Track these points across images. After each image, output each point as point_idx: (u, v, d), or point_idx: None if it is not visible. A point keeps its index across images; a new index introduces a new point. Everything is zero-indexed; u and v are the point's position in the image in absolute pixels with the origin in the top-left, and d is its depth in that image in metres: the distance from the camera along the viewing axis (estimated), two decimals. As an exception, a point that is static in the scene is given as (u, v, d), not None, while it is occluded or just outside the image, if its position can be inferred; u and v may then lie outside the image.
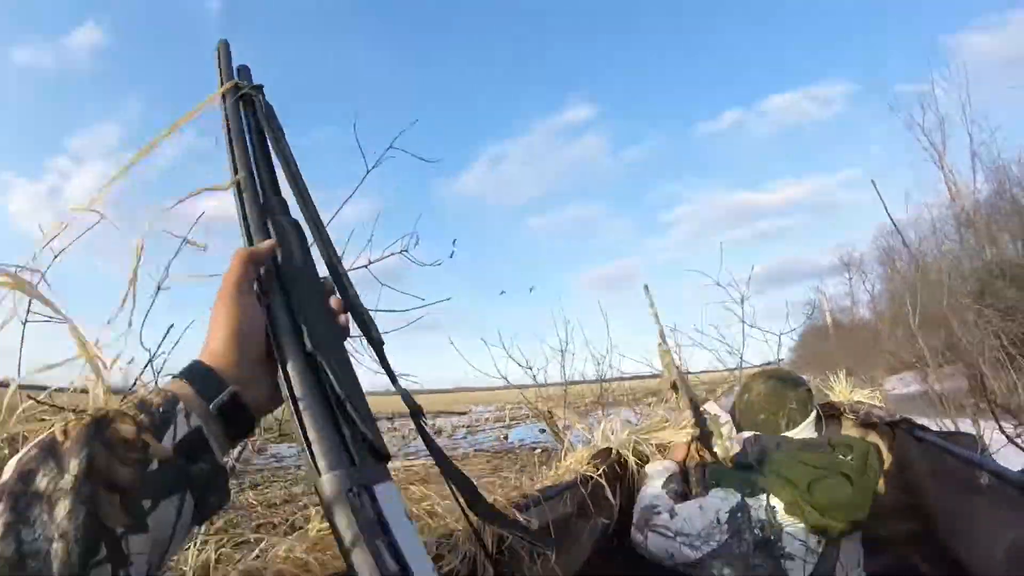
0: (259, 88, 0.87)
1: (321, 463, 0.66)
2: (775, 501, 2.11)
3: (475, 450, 17.24)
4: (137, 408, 0.62)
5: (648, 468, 2.80)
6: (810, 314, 54.69)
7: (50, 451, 0.55)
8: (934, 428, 5.05)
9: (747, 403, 2.45)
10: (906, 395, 21.32)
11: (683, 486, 2.70)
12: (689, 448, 2.78)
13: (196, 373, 0.69)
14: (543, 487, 2.31)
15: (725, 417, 2.80)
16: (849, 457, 2.11)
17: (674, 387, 3.13)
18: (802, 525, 2.06)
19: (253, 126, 0.86)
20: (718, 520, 2.14)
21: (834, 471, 2.06)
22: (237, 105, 0.83)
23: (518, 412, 37.93)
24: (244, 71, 0.88)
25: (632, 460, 2.98)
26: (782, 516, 2.08)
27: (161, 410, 0.62)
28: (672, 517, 2.29)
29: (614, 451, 2.98)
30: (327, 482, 0.64)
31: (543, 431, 22.37)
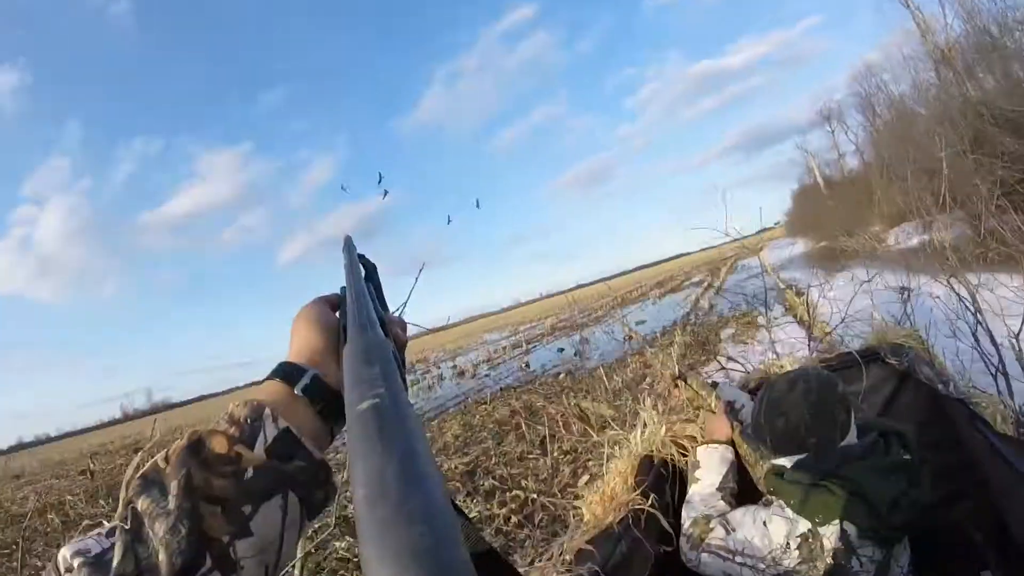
0: (375, 266, 1.02)
1: None
2: (849, 526, 1.90)
3: (501, 389, 16.91)
4: (227, 423, 0.67)
5: (700, 454, 2.48)
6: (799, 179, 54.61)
7: (154, 478, 0.62)
8: (941, 286, 5.18)
9: (788, 428, 2.09)
10: (909, 249, 21.52)
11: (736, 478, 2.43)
12: (732, 424, 2.49)
13: (281, 369, 0.76)
14: (593, 536, 2.15)
15: (741, 401, 2.65)
16: (904, 453, 2.00)
17: (680, 378, 2.98)
18: (870, 543, 1.90)
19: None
20: (788, 544, 1.95)
21: (904, 476, 1.93)
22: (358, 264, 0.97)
23: (532, 333, 38.39)
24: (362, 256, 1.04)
25: (678, 459, 2.74)
26: (855, 539, 1.89)
27: (249, 420, 0.67)
28: (729, 533, 2.09)
29: (655, 458, 2.74)
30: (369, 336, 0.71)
31: (561, 350, 22.77)
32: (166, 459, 0.63)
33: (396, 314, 0.96)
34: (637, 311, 32.17)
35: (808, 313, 11.56)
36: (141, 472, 0.63)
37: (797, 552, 1.93)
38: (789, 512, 2.00)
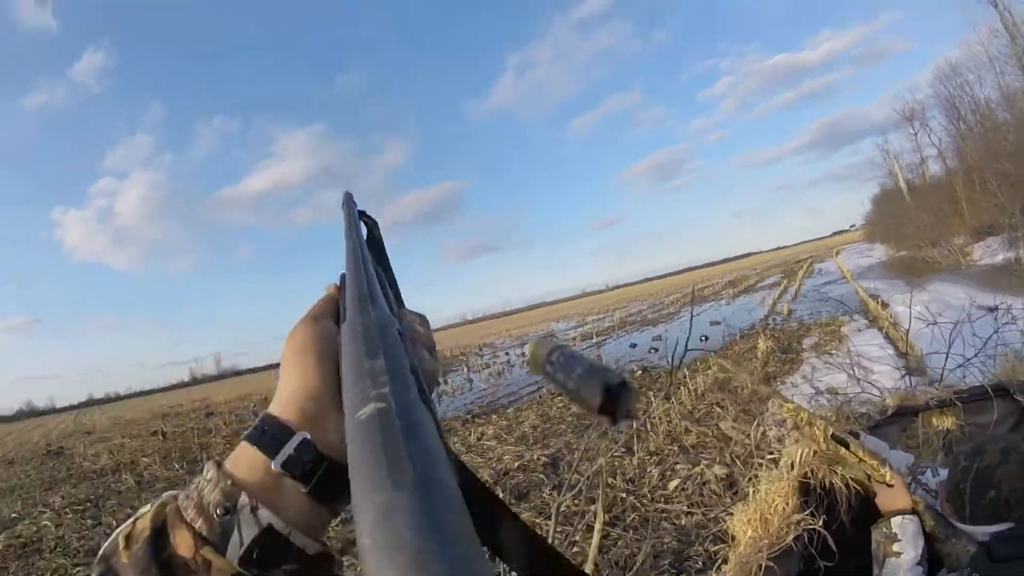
0: (375, 222, 0.95)
1: None
2: None
3: None
4: (195, 510, 0.52)
5: (896, 525, 2.35)
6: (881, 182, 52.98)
7: (112, 569, 0.50)
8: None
9: (999, 500, 2.02)
10: (995, 266, 20.95)
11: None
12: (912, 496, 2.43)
13: (260, 431, 0.57)
14: (773, 554, 2.25)
15: (905, 464, 2.63)
16: None
17: (839, 442, 2.71)
18: None
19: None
20: None
21: None
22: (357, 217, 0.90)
23: (600, 325, 38.35)
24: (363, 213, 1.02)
25: (840, 487, 2.65)
26: None
27: (219, 512, 0.51)
28: None
29: (813, 483, 2.69)
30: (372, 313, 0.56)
31: (633, 346, 22.79)
32: (127, 541, 0.51)
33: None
34: (710, 310, 31.89)
35: (895, 329, 11.52)
36: (102, 552, 0.52)
37: None
38: None
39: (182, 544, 0.50)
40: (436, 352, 0.72)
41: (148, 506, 0.53)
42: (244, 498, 0.52)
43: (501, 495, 7.51)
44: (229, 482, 0.53)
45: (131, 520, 0.53)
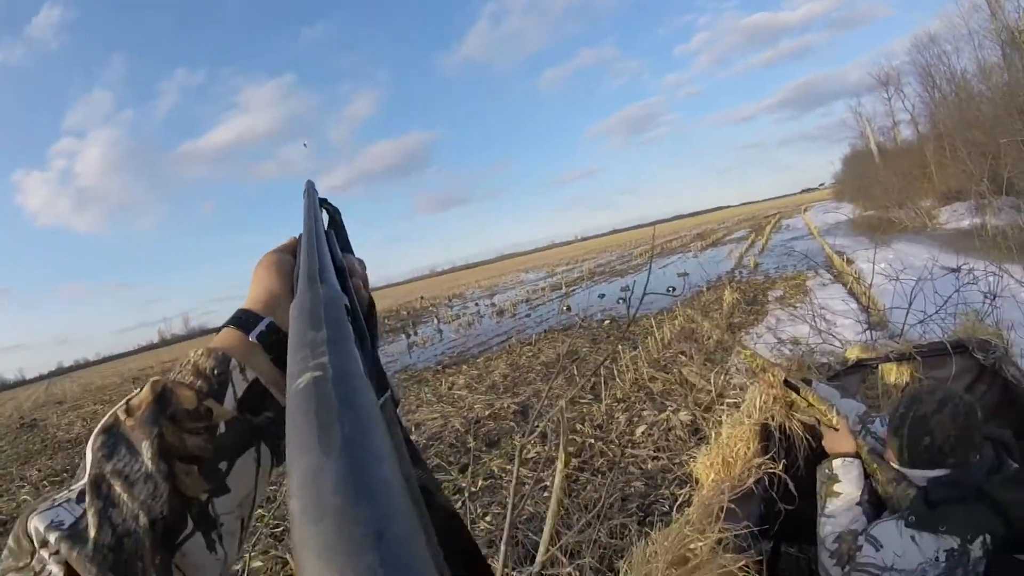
0: (337, 209, 1.00)
1: None
2: (990, 538, 2.01)
3: (544, 331, 17.22)
4: (193, 375, 0.64)
5: (838, 466, 2.49)
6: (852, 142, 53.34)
7: (117, 434, 0.59)
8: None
9: (933, 447, 2.18)
10: (960, 230, 21.30)
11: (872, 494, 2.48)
12: (856, 440, 2.55)
13: (236, 317, 0.72)
14: (735, 496, 2.36)
15: (856, 412, 2.78)
16: (1012, 462, 2.14)
17: (791, 387, 2.84)
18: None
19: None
20: (936, 558, 2.02)
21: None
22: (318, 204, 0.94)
23: (570, 276, 38.50)
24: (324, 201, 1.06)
25: (799, 433, 2.79)
26: (987, 548, 2.01)
27: (216, 372, 0.64)
28: (878, 550, 2.14)
29: (774, 428, 2.80)
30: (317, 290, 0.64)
31: (602, 296, 22.95)
32: (127, 411, 0.60)
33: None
34: (678, 262, 32.16)
35: (859, 284, 11.73)
36: (101, 426, 0.60)
37: (945, 565, 2.01)
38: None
39: (185, 400, 0.61)
40: (368, 288, 0.87)
41: (137, 390, 0.63)
42: (234, 362, 0.66)
43: (473, 442, 7.66)
44: (220, 352, 0.66)
45: (123, 401, 0.62)
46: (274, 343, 0.70)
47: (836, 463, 2.49)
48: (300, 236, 0.79)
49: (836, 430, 2.58)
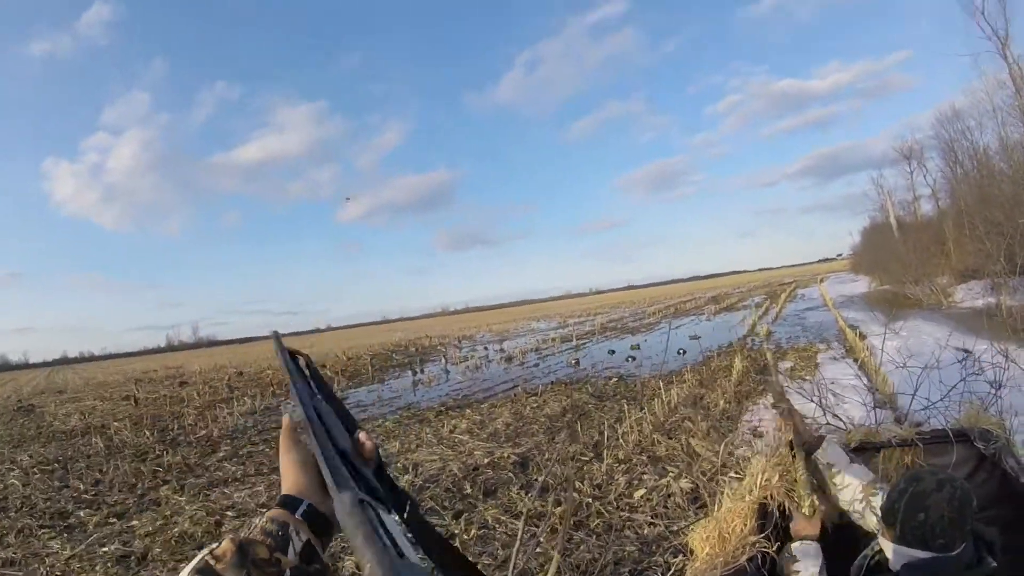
0: (308, 357, 1.18)
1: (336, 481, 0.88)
2: None
3: (551, 383, 16.93)
4: (262, 534, 0.85)
5: (796, 549, 2.60)
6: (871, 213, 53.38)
7: (212, 573, 0.76)
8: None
9: (924, 524, 2.20)
10: (975, 309, 21.25)
11: None
12: (824, 525, 2.72)
13: (285, 500, 0.94)
14: (727, 572, 2.41)
15: (849, 475, 2.79)
16: (992, 560, 2.19)
17: (801, 449, 2.96)
18: None
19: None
20: None
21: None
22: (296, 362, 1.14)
23: (581, 329, 38.48)
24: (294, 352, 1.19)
25: (788, 505, 2.89)
26: None
27: (280, 533, 0.85)
28: None
29: (771, 507, 2.85)
30: (344, 496, 0.83)
31: (612, 352, 22.94)
32: (215, 558, 0.77)
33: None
34: (691, 324, 32.10)
35: (870, 361, 11.68)
36: (193, 567, 0.77)
37: None
38: None
39: (260, 552, 0.81)
40: (379, 464, 1.05)
41: (217, 543, 0.80)
42: (291, 527, 0.87)
43: (470, 489, 7.61)
44: (282, 519, 0.88)
45: (207, 550, 0.80)
46: (313, 519, 0.93)
47: (795, 545, 2.58)
48: (304, 415, 0.99)
49: (806, 515, 2.70)
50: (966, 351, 6.73)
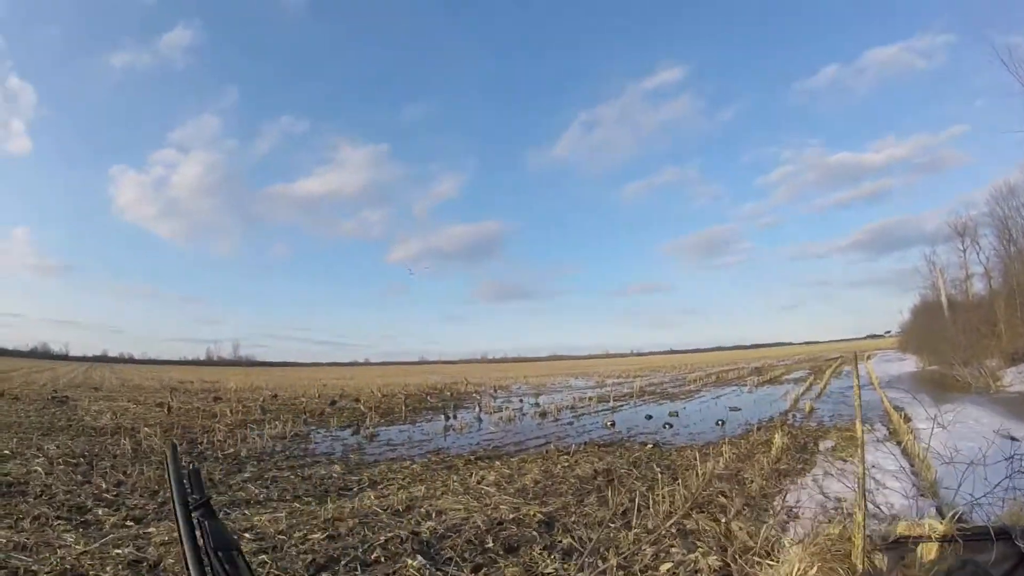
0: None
1: None
2: None
3: (584, 443, 16.74)
4: None
5: None
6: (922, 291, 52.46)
7: None
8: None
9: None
10: (1022, 394, 20.69)
11: None
12: None
13: None
14: None
15: None
16: None
17: None
18: None
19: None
20: None
21: None
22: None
23: (620, 391, 38.18)
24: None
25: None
26: None
27: None
28: None
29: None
30: None
31: (649, 417, 22.69)
32: None
33: None
34: (732, 395, 31.69)
35: (914, 448, 11.37)
36: None
37: None
38: None
39: None
40: None
41: None
42: None
43: (492, 544, 7.49)
44: None
45: None
46: None
47: None
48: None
49: None
50: (1014, 438, 6.51)
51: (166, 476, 1.13)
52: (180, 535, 0.99)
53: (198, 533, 1.32)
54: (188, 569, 0.90)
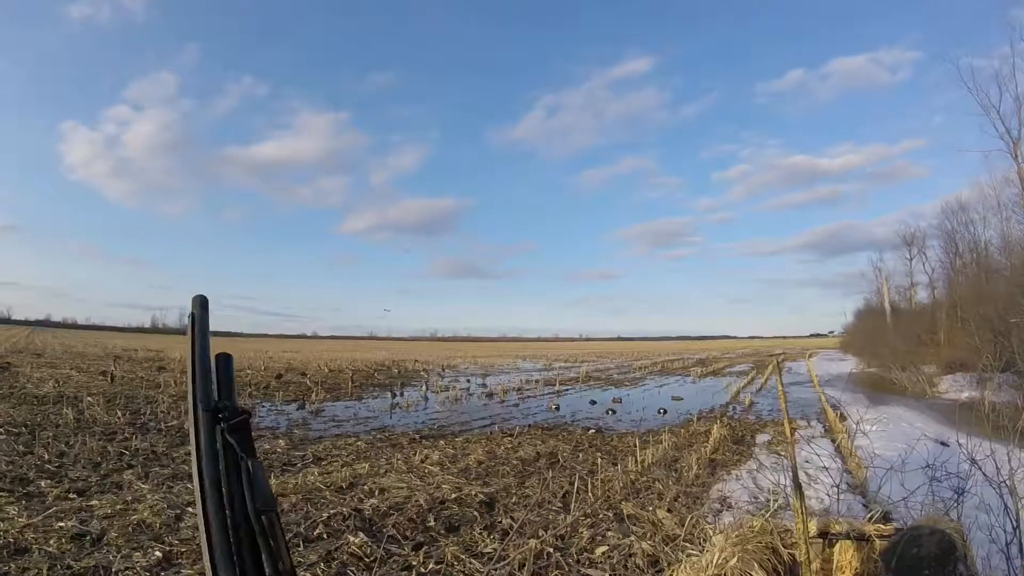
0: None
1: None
2: None
3: (528, 426, 16.96)
4: None
5: None
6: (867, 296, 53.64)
7: None
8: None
9: (917, 557, 2.44)
10: (957, 401, 21.37)
11: None
12: None
13: None
14: None
15: None
16: None
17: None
18: None
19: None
20: None
21: None
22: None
23: (566, 375, 38.45)
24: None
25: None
26: None
27: None
28: None
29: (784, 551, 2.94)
30: None
31: (593, 403, 22.94)
32: None
33: None
34: (675, 385, 32.16)
35: (846, 445, 11.72)
36: None
37: None
38: None
39: None
40: None
41: None
42: None
43: (433, 523, 7.58)
44: None
45: None
46: None
47: None
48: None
49: None
50: (943, 443, 6.77)
51: (189, 336, 1.01)
52: (195, 450, 0.95)
53: (222, 463, 0.99)
54: (205, 508, 0.72)
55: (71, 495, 8.64)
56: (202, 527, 0.85)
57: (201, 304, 1.08)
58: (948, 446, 5.99)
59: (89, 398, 18.49)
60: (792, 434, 5.31)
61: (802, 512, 3.38)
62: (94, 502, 8.28)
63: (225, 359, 1.07)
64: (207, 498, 0.86)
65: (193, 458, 0.92)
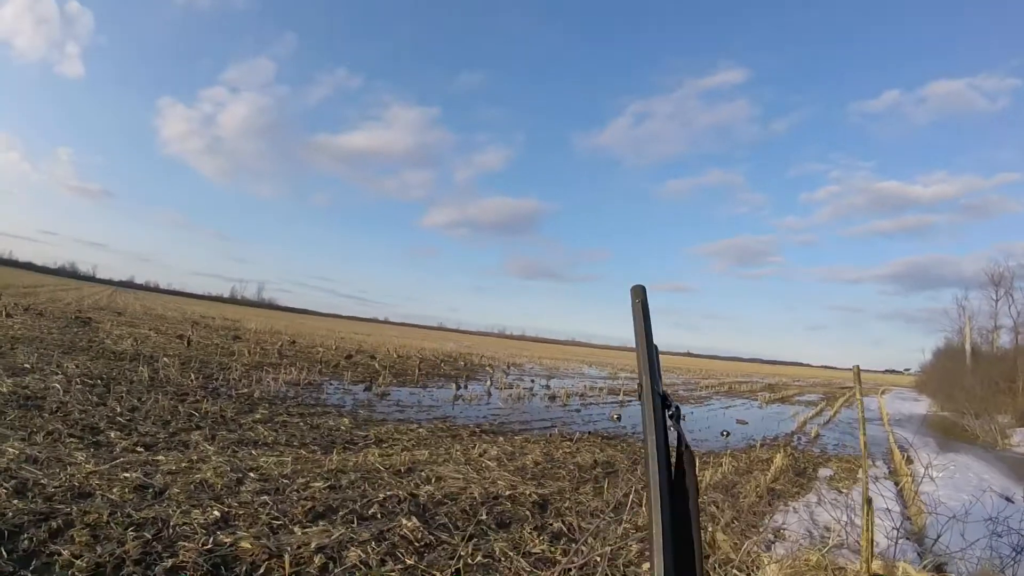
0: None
1: None
2: None
3: (588, 432, 16.89)
4: None
5: None
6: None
7: None
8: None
9: None
10: (1026, 459, 20.58)
11: None
12: None
13: None
14: None
15: None
16: None
17: None
18: None
19: None
20: None
21: None
22: None
23: (631, 385, 38.22)
24: None
25: None
26: None
27: None
28: None
29: None
30: None
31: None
32: None
33: None
34: (741, 408, 31.68)
35: (909, 489, 11.45)
36: None
37: None
38: None
39: None
40: None
41: None
42: None
43: (485, 517, 7.71)
44: None
45: None
46: None
47: None
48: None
49: None
50: (1008, 499, 6.61)
51: (636, 325, 1.06)
52: (652, 436, 1.03)
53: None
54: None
55: (138, 448, 9.08)
56: (657, 517, 0.95)
57: (642, 293, 1.14)
58: (1013, 502, 5.86)
59: (165, 359, 19.31)
60: (865, 476, 5.24)
61: (869, 550, 3.40)
62: (160, 457, 8.68)
63: (656, 350, 1.13)
64: (659, 485, 0.96)
65: (649, 443, 1.01)
